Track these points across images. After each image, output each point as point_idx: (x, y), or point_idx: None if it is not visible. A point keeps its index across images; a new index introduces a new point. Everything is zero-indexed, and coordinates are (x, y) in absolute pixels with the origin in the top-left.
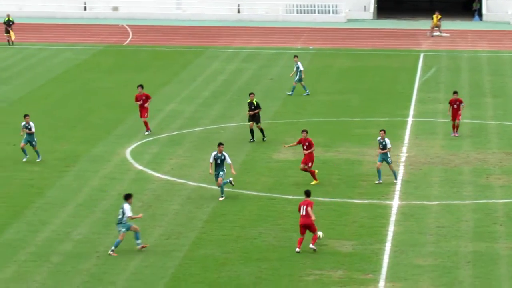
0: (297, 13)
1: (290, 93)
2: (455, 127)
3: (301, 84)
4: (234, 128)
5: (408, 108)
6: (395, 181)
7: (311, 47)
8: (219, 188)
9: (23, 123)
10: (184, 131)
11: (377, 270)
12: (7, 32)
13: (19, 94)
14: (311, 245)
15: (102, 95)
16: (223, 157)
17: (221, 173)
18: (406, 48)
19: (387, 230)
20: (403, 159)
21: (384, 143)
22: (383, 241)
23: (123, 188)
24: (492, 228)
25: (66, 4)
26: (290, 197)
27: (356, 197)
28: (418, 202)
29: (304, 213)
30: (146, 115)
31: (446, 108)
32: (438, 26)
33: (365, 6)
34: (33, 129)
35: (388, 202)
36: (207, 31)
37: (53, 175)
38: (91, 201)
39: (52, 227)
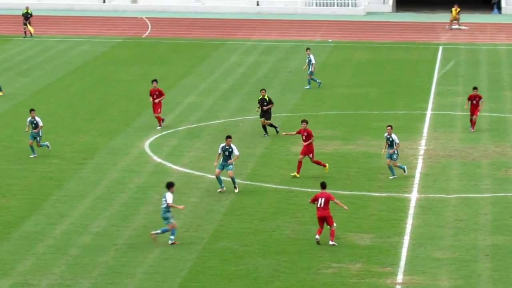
0: (316, 6)
1: (307, 87)
2: (473, 123)
3: (311, 77)
4: (253, 121)
5: (426, 101)
6: (405, 173)
7: (330, 40)
8: (232, 178)
9: (29, 118)
10: (202, 124)
11: (395, 263)
12: (25, 24)
13: (38, 87)
14: (331, 242)
15: (120, 88)
16: (231, 149)
17: (230, 166)
18: (425, 41)
19: (406, 223)
20: (421, 152)
21: (391, 139)
22: (401, 234)
23: (141, 181)
24: (511, 221)
25: None
26: (309, 190)
27: (375, 190)
28: (437, 195)
29: (322, 205)
30: (159, 111)
31: (464, 101)
32: (457, 19)
33: None
34: (40, 123)
35: (406, 195)
36: (226, 24)
37: (71, 168)
38: (109, 194)
39: (70, 220)
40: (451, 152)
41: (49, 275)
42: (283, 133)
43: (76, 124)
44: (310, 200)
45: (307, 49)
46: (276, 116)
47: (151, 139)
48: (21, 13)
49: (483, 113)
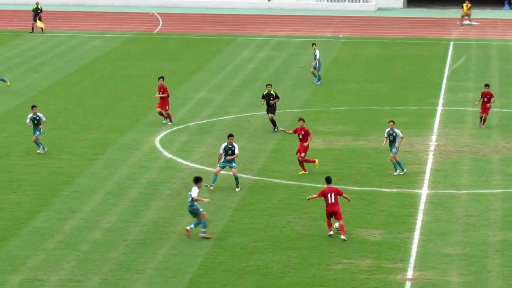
0: (327, 1)
1: (318, 82)
2: (483, 120)
3: (312, 72)
4: (264, 116)
5: (437, 97)
6: (395, 173)
7: (341, 36)
8: (236, 177)
9: (30, 115)
10: (213, 120)
11: (405, 259)
12: (35, 19)
13: (49, 82)
14: (342, 236)
15: (132, 83)
16: (233, 148)
17: (233, 164)
18: (436, 36)
19: (416, 219)
20: (432, 147)
21: (394, 135)
22: (411, 230)
23: (152, 177)
24: None
25: None
26: (319, 185)
27: (385, 185)
28: (447, 191)
29: (333, 201)
30: (167, 107)
31: (475, 97)
32: (468, 15)
33: None
34: (43, 119)
35: (417, 191)
36: (237, 19)
37: (82, 163)
38: (120, 190)
39: (80, 215)
40: (462, 148)
41: (59, 271)
42: (281, 129)
43: (87, 119)
44: (317, 194)
45: (313, 44)
46: (287, 112)
47: (162, 134)
48: (31, 9)
49: (493, 108)
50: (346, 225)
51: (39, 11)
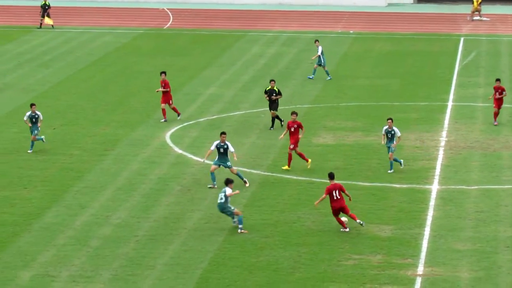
0: None
1: (328, 78)
2: (495, 115)
3: (314, 67)
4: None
5: (448, 92)
6: (389, 171)
7: (351, 31)
8: (237, 174)
9: (29, 113)
10: (223, 115)
11: (416, 255)
12: (43, 16)
13: (60, 78)
14: (359, 221)
15: (142, 79)
16: (226, 146)
17: (228, 163)
18: (446, 32)
19: (426, 215)
20: (442, 143)
21: (392, 132)
22: (422, 225)
23: (162, 172)
24: None
25: None
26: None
27: (396, 181)
28: (457, 187)
29: (339, 197)
30: (171, 102)
31: (486, 92)
32: (478, 10)
33: None
34: (41, 117)
35: (427, 186)
36: (247, 15)
37: (92, 159)
38: (130, 185)
39: (91, 211)
40: (472, 144)
41: (69, 267)
42: (280, 137)
43: (97, 115)
44: (324, 195)
45: (316, 40)
46: (297, 107)
47: (172, 130)
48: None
49: (504, 104)
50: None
51: (47, 7)
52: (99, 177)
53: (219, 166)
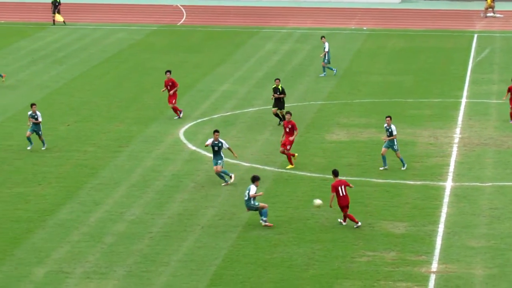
0: None
1: (334, 72)
2: (511, 115)
3: (322, 65)
4: (288, 108)
5: (461, 89)
6: (403, 168)
7: (364, 28)
8: (219, 173)
9: (30, 112)
10: (237, 112)
11: (430, 252)
12: (54, 12)
13: (74, 74)
14: (340, 220)
15: (156, 76)
16: (220, 144)
17: (219, 161)
18: (460, 29)
19: (440, 212)
20: (456, 140)
21: (390, 130)
22: (436, 222)
23: (176, 169)
24: None
25: None
26: (343, 178)
27: (409, 178)
28: (471, 184)
29: (345, 193)
30: (174, 101)
31: (499, 89)
32: (492, 7)
33: None
34: (40, 119)
35: (441, 183)
36: (261, 12)
37: (106, 156)
38: (144, 182)
39: (105, 208)
40: (486, 141)
41: (83, 263)
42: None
43: (111, 112)
44: (332, 193)
45: (322, 37)
46: (311, 104)
47: (186, 127)
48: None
49: None
50: (370, 217)
51: (57, 4)
52: (113, 173)
53: (217, 164)
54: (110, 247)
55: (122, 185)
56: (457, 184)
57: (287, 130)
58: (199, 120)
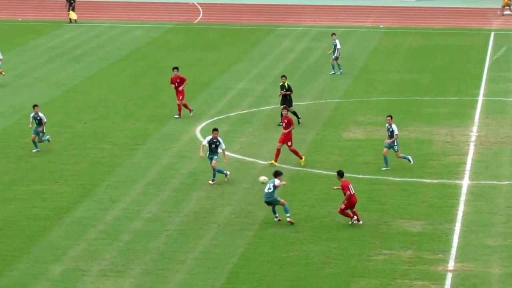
0: None
1: (332, 72)
2: None
3: (337, 63)
4: (305, 106)
5: (478, 87)
6: (382, 168)
7: (381, 26)
8: (215, 169)
9: (32, 114)
10: (254, 110)
11: (446, 250)
12: (69, 10)
13: (90, 72)
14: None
15: (172, 74)
16: (218, 143)
17: (215, 156)
18: (477, 27)
19: (457, 210)
20: (473, 138)
21: (391, 130)
22: (452, 221)
23: (192, 167)
24: None
25: None
26: (360, 176)
27: (426, 176)
28: (488, 182)
29: (353, 192)
30: (181, 98)
31: None
32: (509, 5)
33: None
34: (44, 120)
35: (458, 181)
36: (277, 9)
37: (123, 153)
38: (161, 180)
39: (122, 205)
40: (503, 139)
41: (100, 261)
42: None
43: (128, 109)
44: (347, 192)
45: (333, 34)
46: (328, 102)
47: (202, 124)
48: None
49: None
50: (387, 215)
51: (72, 1)
52: (130, 171)
53: (212, 158)
54: (127, 245)
55: (139, 183)
56: (473, 182)
57: (283, 125)
58: (216, 118)
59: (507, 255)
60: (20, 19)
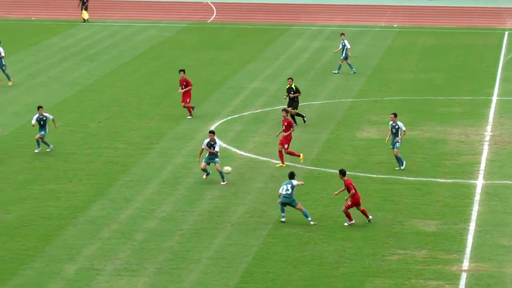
0: None
1: (336, 71)
2: None
3: (347, 63)
4: (318, 106)
5: (492, 86)
6: (398, 168)
7: (395, 25)
8: (220, 172)
9: (36, 115)
10: (267, 109)
11: (461, 250)
12: (82, 9)
13: (104, 71)
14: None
15: (186, 73)
16: (215, 145)
17: (216, 159)
18: (491, 26)
19: (471, 210)
20: (487, 138)
21: (397, 127)
22: (467, 220)
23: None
24: None
25: None
26: (374, 175)
27: (440, 176)
28: (503, 182)
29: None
30: (188, 100)
31: None
32: None
33: None
34: (51, 117)
35: (472, 181)
36: (291, 9)
37: (137, 153)
38: (175, 179)
39: (136, 205)
40: None
41: (114, 260)
42: (276, 135)
43: (141, 109)
44: (353, 190)
45: (342, 34)
46: (341, 101)
47: (216, 124)
48: None
49: None
50: (401, 215)
51: (85, 1)
52: (144, 170)
53: (209, 164)
54: (141, 244)
55: (153, 182)
56: (488, 182)
57: (283, 127)
58: (229, 118)
59: None
60: (33, 19)
